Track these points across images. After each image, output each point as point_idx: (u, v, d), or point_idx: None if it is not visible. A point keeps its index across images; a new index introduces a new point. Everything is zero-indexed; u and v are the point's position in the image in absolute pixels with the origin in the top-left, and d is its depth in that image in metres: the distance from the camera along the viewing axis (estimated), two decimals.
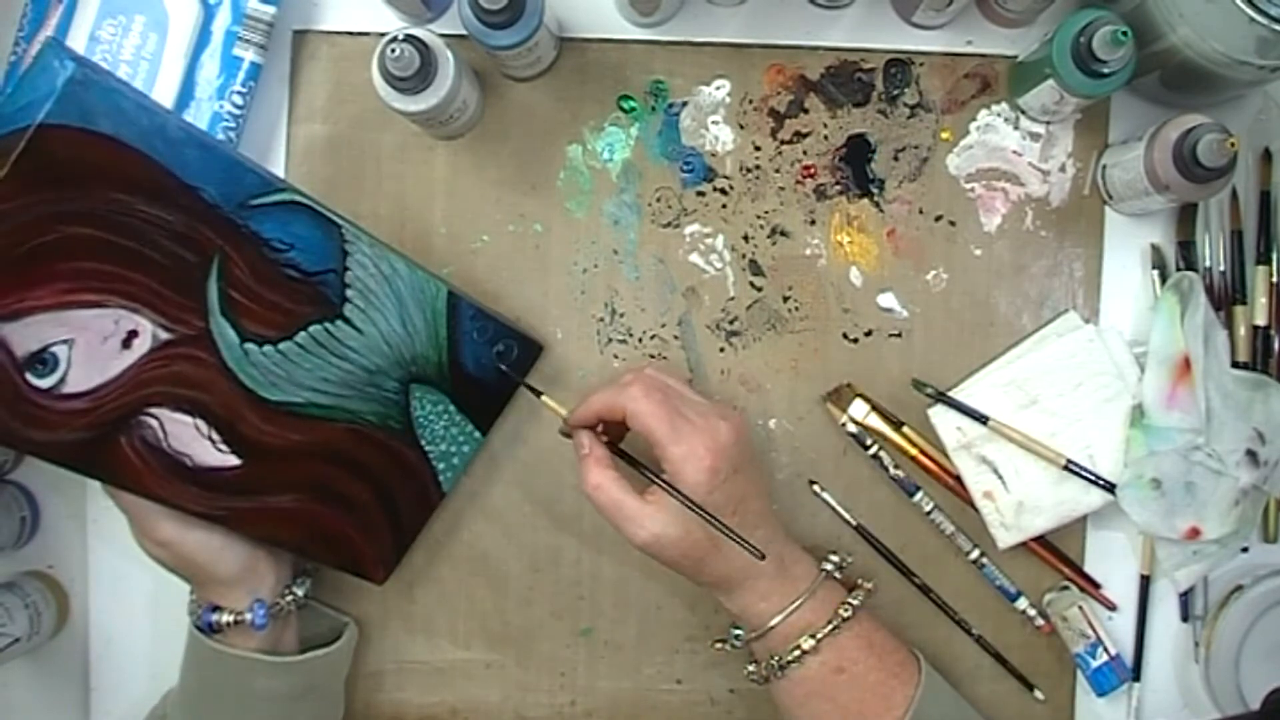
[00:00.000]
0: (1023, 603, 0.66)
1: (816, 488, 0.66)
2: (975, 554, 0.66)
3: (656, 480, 0.55)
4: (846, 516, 0.66)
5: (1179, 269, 0.66)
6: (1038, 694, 0.66)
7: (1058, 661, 0.66)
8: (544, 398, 0.61)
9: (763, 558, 0.53)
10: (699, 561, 0.56)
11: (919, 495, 0.66)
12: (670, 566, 0.57)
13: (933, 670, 0.59)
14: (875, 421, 0.66)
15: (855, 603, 0.58)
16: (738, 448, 0.56)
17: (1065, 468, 0.63)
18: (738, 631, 0.61)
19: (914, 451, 0.66)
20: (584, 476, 0.56)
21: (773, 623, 0.57)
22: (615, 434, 0.59)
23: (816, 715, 0.57)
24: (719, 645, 0.63)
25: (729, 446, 0.55)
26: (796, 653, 0.56)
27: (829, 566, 0.60)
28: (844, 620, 0.57)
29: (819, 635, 0.56)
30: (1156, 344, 0.63)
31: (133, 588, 0.68)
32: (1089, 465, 0.64)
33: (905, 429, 0.66)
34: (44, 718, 0.67)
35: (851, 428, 0.66)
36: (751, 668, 0.60)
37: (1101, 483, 0.63)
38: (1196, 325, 0.62)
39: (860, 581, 0.60)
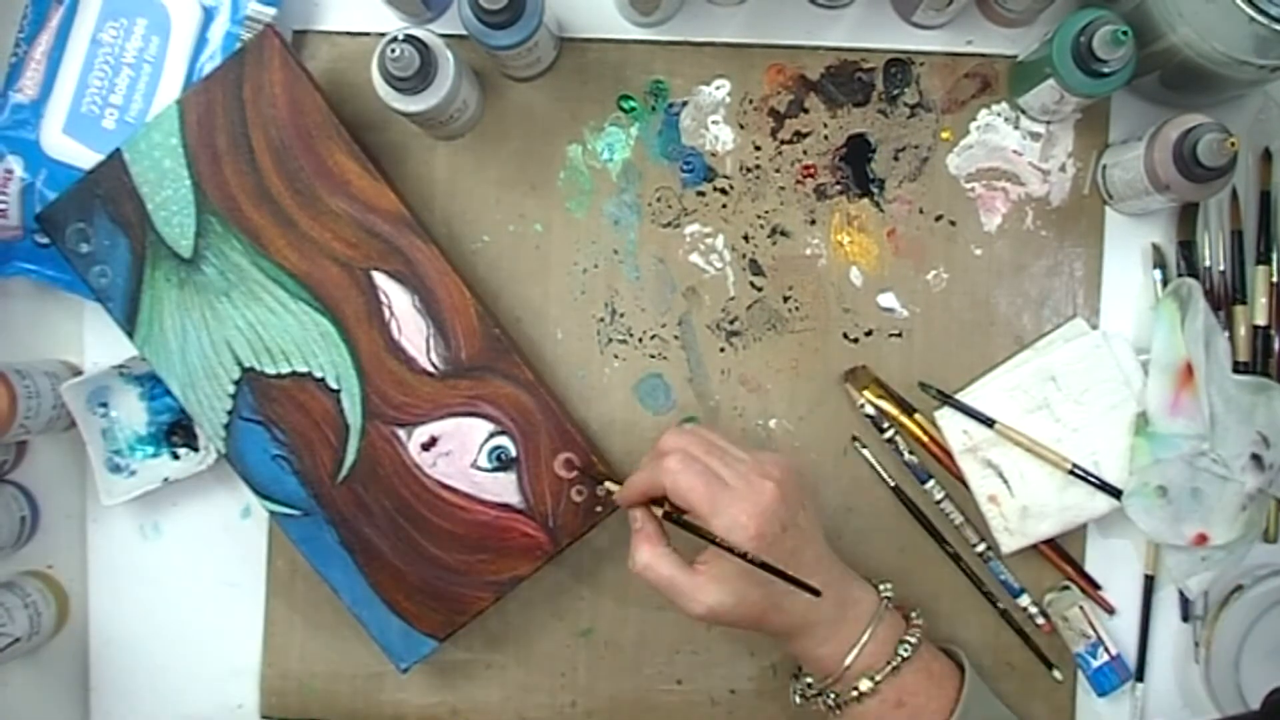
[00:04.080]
0: (1025, 600, 0.66)
1: (857, 444, 0.66)
2: (982, 547, 0.66)
3: (711, 540, 0.53)
4: (885, 477, 0.66)
5: (1179, 269, 0.66)
6: (1056, 674, 0.66)
7: (1058, 661, 0.66)
8: (607, 484, 0.61)
9: (818, 594, 0.52)
10: (757, 621, 0.55)
11: (930, 483, 0.66)
12: (740, 628, 0.56)
13: (974, 673, 0.58)
14: (888, 408, 0.66)
15: (913, 640, 0.56)
16: (784, 505, 0.54)
17: (1070, 473, 0.63)
18: (809, 679, 0.60)
19: (925, 439, 0.66)
20: (633, 555, 0.56)
21: (835, 671, 0.56)
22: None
23: None
24: (797, 699, 0.61)
25: (774, 506, 0.54)
26: (855, 693, 0.56)
27: (889, 593, 0.59)
28: (903, 660, 0.56)
29: (878, 677, 0.55)
30: (1158, 351, 0.63)
31: (133, 588, 0.68)
32: (1094, 471, 0.63)
33: (917, 415, 0.66)
34: (44, 718, 0.67)
35: (869, 409, 0.65)
36: (798, 699, 0.60)
37: (1107, 489, 0.63)
38: (1197, 331, 0.62)
39: (912, 616, 0.59)
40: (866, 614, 0.57)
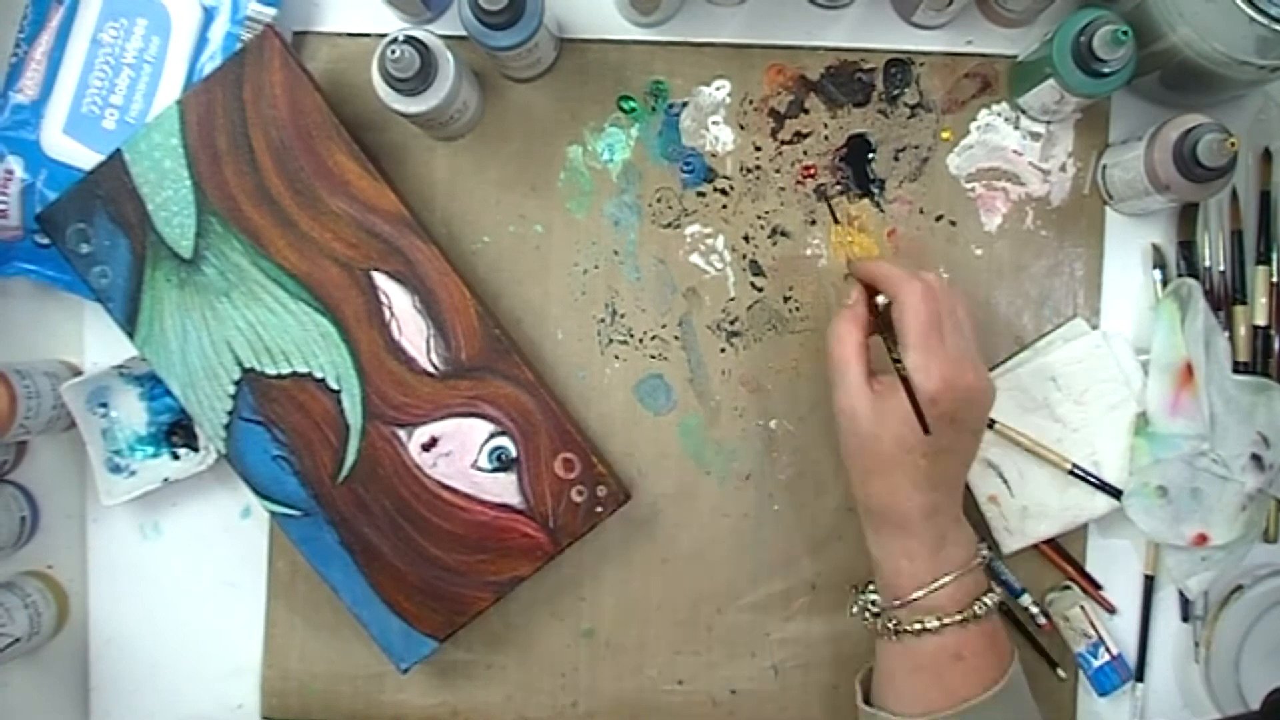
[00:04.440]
0: (1026, 599, 0.66)
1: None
2: (983, 548, 0.65)
3: (898, 366, 0.54)
4: None
5: (1179, 269, 0.66)
6: (1060, 673, 0.66)
7: (1059, 661, 0.66)
8: (840, 226, 0.61)
9: (927, 432, 0.53)
10: (869, 471, 0.55)
11: None
12: (845, 457, 0.57)
13: (1019, 666, 0.57)
14: None
15: (990, 603, 0.56)
16: (969, 403, 0.54)
17: (1071, 473, 0.63)
18: (874, 597, 0.59)
19: None
20: (835, 323, 0.57)
21: (906, 596, 0.55)
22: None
23: (917, 686, 0.56)
24: (854, 609, 0.61)
25: (962, 391, 0.54)
26: (918, 627, 0.55)
27: (985, 553, 0.58)
28: (974, 616, 0.55)
29: (946, 621, 0.54)
30: (1158, 351, 0.63)
31: (133, 588, 0.68)
32: (1094, 471, 0.63)
33: None
34: (44, 718, 0.67)
35: None
36: (855, 609, 0.60)
37: (1107, 489, 0.63)
38: (1197, 331, 0.62)
39: (994, 585, 0.58)
40: (959, 560, 0.56)
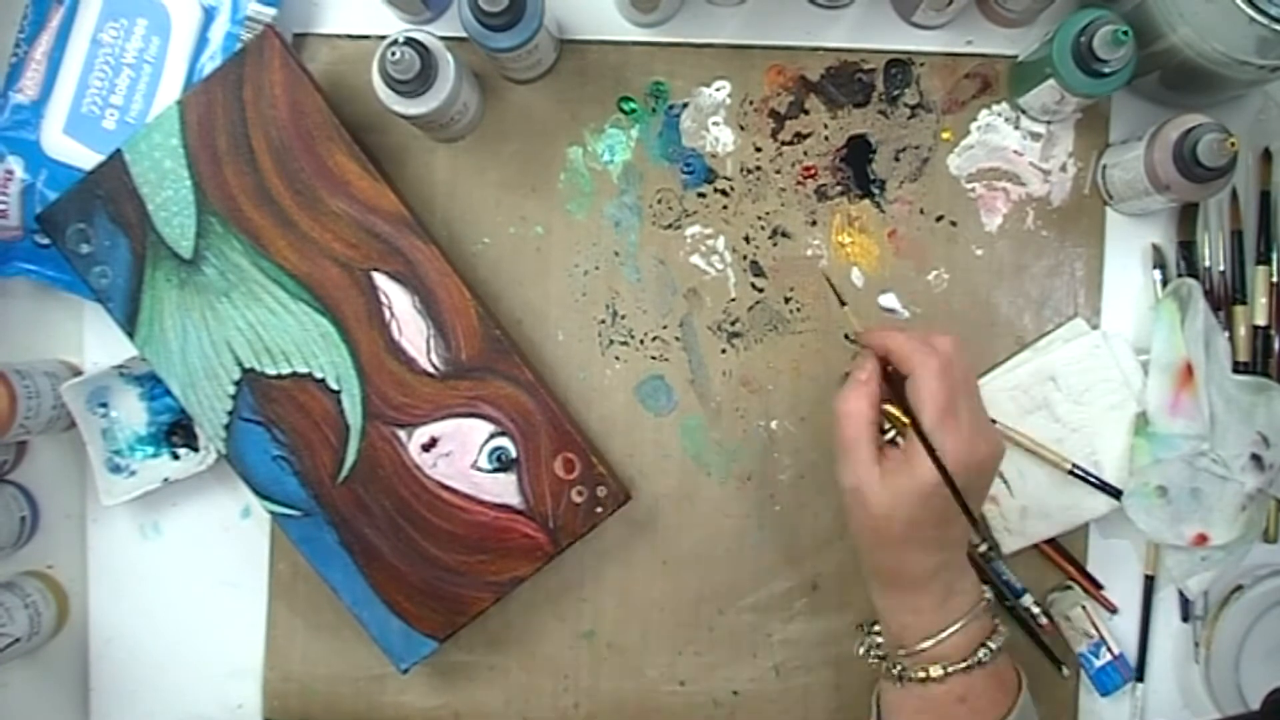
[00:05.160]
0: (1027, 600, 0.66)
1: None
2: (984, 548, 0.66)
3: (919, 433, 0.52)
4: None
5: (1179, 269, 0.66)
6: (1064, 671, 0.66)
7: (1062, 659, 0.66)
8: (846, 309, 0.60)
9: (976, 525, 0.53)
10: (877, 546, 0.55)
11: None
12: (852, 529, 0.56)
13: (1027, 691, 0.57)
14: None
15: (994, 647, 0.55)
16: (980, 475, 0.53)
17: (1070, 473, 0.63)
18: (879, 638, 0.59)
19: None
20: (845, 395, 0.55)
21: (911, 647, 0.55)
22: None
23: None
24: (860, 649, 0.60)
25: (974, 467, 0.53)
26: (923, 674, 0.55)
27: (989, 595, 0.57)
28: (979, 663, 0.55)
29: (951, 669, 0.54)
30: (1158, 351, 0.63)
31: (133, 588, 0.68)
32: (1094, 471, 0.63)
33: None
34: (44, 718, 0.67)
35: None
36: (861, 651, 0.59)
37: (1107, 488, 0.63)
38: (1197, 331, 0.62)
39: (999, 623, 0.57)
40: (965, 607, 0.55)
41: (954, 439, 0.52)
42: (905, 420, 0.54)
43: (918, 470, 0.52)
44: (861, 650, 0.60)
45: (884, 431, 0.56)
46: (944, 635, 0.54)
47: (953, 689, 0.54)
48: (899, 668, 0.56)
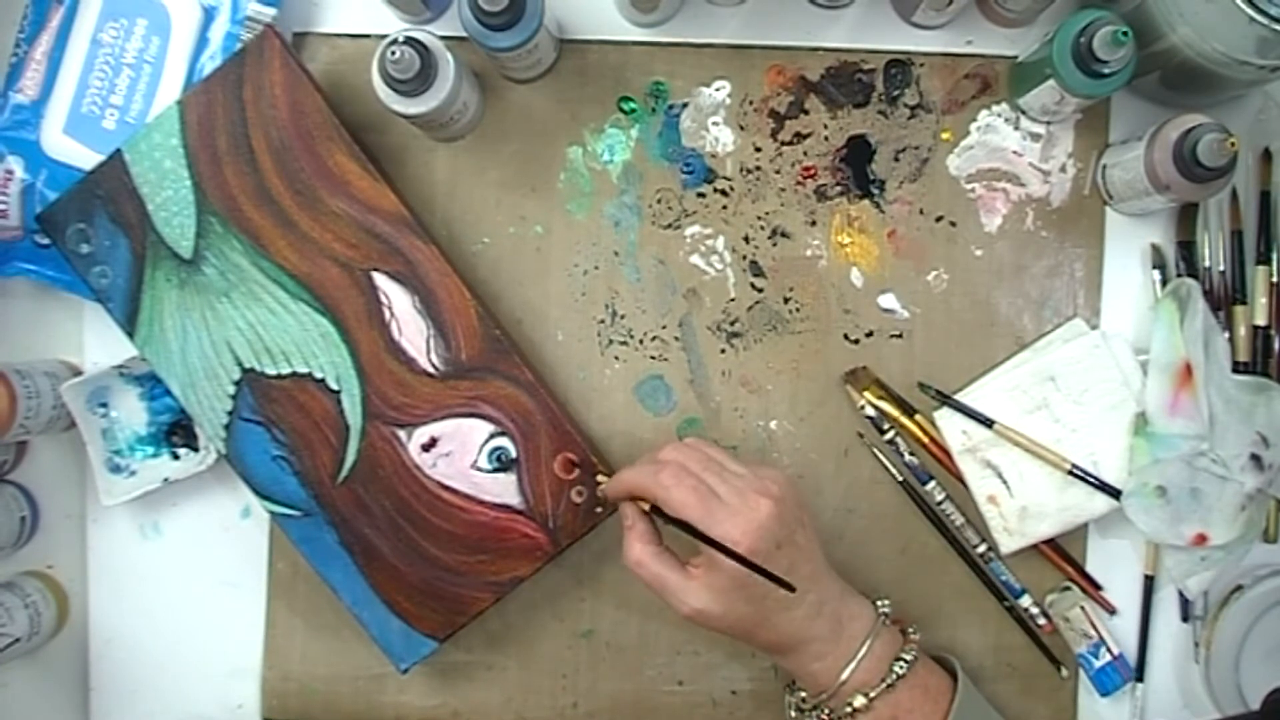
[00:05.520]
0: (1026, 600, 0.66)
1: (863, 440, 0.66)
2: (983, 548, 0.66)
3: (701, 537, 0.53)
4: (893, 472, 0.66)
5: (1179, 269, 0.66)
6: (1063, 671, 0.66)
7: (1061, 659, 0.66)
8: (599, 475, 0.61)
9: (793, 590, 0.52)
10: (747, 632, 0.56)
11: (931, 484, 0.66)
12: (720, 633, 0.56)
13: (967, 681, 0.58)
14: (889, 409, 0.66)
15: (909, 657, 0.56)
16: (779, 523, 0.54)
17: (1070, 473, 0.63)
18: (802, 693, 0.60)
19: (925, 439, 0.66)
20: (626, 551, 0.57)
21: (830, 687, 0.56)
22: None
23: None
24: (792, 712, 0.61)
25: (769, 523, 0.53)
26: (849, 710, 0.55)
27: (886, 609, 0.58)
28: (898, 677, 0.56)
29: (873, 694, 0.55)
30: (1157, 351, 0.63)
31: (133, 588, 0.68)
32: (1094, 471, 0.63)
33: (918, 416, 0.66)
34: (44, 718, 0.67)
35: (870, 410, 0.65)
36: (792, 713, 0.61)
37: (1106, 489, 0.63)
38: (1196, 331, 0.62)
39: (909, 631, 0.59)
40: (863, 630, 0.57)
41: (729, 522, 0.53)
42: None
43: (722, 564, 0.53)
44: (793, 714, 0.61)
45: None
46: (855, 662, 0.55)
47: (880, 714, 0.55)
48: (828, 711, 0.57)
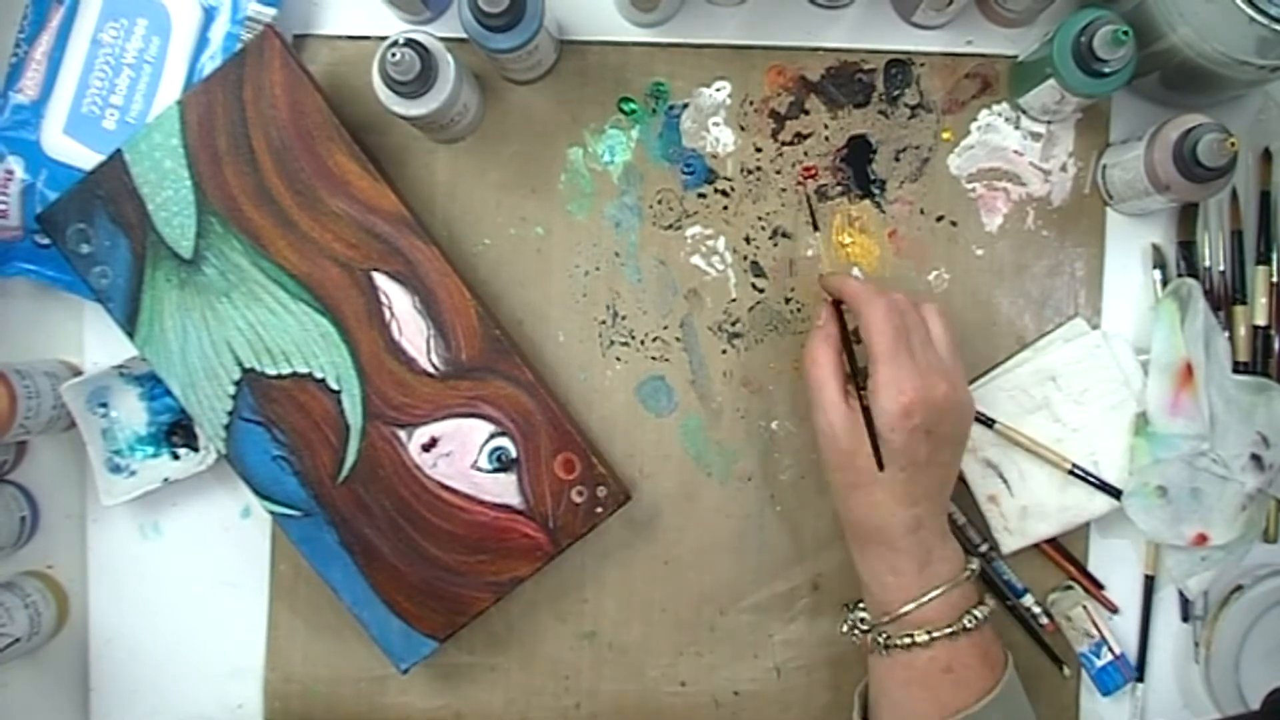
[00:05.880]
0: (1028, 600, 0.66)
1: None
2: (984, 548, 0.66)
3: (856, 388, 0.55)
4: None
5: (1180, 269, 0.66)
6: (1065, 670, 0.66)
7: (1063, 658, 0.66)
8: (818, 234, 0.63)
9: (881, 468, 0.54)
10: (850, 486, 0.56)
11: None
12: (827, 474, 0.58)
13: (1014, 669, 0.57)
14: None
15: (980, 615, 0.56)
16: (944, 415, 0.55)
17: (1070, 473, 0.63)
18: (863, 613, 0.59)
19: None
20: (808, 347, 0.58)
21: (894, 611, 0.56)
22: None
23: (910, 700, 0.56)
24: (844, 627, 0.61)
25: (935, 403, 0.54)
26: (907, 640, 0.55)
27: (974, 567, 0.58)
28: (965, 629, 0.55)
29: (935, 634, 0.55)
30: (1158, 351, 0.63)
31: (133, 588, 0.68)
32: (1094, 471, 0.63)
33: None
34: (44, 718, 0.67)
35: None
36: (845, 627, 0.60)
37: (1107, 489, 0.63)
38: (1197, 331, 0.62)
39: (985, 598, 0.58)
40: (948, 573, 0.56)
41: (908, 372, 0.54)
42: (860, 366, 0.56)
43: (875, 403, 0.54)
44: (845, 628, 0.60)
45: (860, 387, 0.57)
46: (926, 599, 0.55)
47: (938, 657, 0.55)
48: (884, 636, 0.56)
